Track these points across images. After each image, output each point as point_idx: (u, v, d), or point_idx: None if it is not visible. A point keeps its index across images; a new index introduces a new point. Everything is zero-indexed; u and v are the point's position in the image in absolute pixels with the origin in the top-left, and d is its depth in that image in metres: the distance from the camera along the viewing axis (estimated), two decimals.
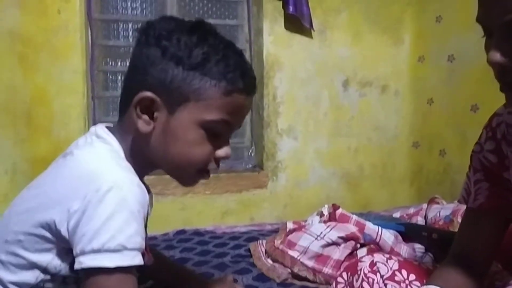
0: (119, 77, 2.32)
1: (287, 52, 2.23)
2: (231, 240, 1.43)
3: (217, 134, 0.68)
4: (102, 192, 0.57)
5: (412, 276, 0.83)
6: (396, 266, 0.85)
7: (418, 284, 0.80)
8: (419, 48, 2.38)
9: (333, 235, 1.19)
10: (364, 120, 2.39)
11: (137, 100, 0.65)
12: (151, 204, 0.71)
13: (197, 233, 1.50)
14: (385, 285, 0.83)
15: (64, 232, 0.59)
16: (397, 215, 1.55)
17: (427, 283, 0.77)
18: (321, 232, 1.20)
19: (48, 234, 0.61)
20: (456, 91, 2.13)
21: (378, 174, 2.43)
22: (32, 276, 0.63)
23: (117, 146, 0.67)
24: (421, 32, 2.38)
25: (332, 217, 1.30)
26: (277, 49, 2.22)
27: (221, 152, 0.70)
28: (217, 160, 0.71)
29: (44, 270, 0.63)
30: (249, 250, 1.32)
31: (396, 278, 0.83)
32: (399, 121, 2.45)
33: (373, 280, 0.85)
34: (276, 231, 1.44)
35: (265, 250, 1.28)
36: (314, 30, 2.22)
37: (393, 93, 2.42)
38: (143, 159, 0.69)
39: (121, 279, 0.58)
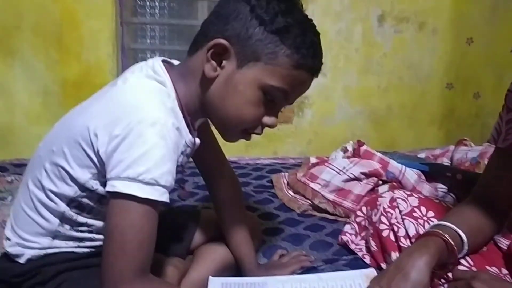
0: (148, 3, 2.29)
1: None
2: (254, 171, 1.46)
3: (273, 101, 0.70)
4: (145, 125, 0.60)
5: (431, 213, 0.84)
6: (415, 203, 0.86)
7: (437, 221, 0.80)
8: None
9: (356, 170, 1.19)
10: (397, 58, 2.30)
11: (212, 44, 0.67)
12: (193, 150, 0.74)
13: None
14: (403, 220, 0.84)
15: (102, 153, 0.63)
16: (422, 155, 1.53)
17: (440, 220, 0.77)
18: (344, 167, 1.20)
19: (89, 151, 0.65)
20: (498, 30, 2.00)
21: (407, 114, 2.38)
22: (71, 190, 0.68)
23: (169, 86, 0.69)
24: None
25: (356, 153, 1.30)
26: None
27: (268, 120, 0.72)
28: (263, 126, 0.73)
29: (81, 186, 0.68)
30: (271, 181, 1.34)
31: (415, 214, 0.84)
32: (434, 60, 2.34)
33: (392, 215, 0.86)
34: (298, 165, 1.45)
35: (287, 182, 1.30)
36: None
37: (431, 31, 2.30)
38: (196, 104, 0.72)
39: (146, 211, 0.61)
